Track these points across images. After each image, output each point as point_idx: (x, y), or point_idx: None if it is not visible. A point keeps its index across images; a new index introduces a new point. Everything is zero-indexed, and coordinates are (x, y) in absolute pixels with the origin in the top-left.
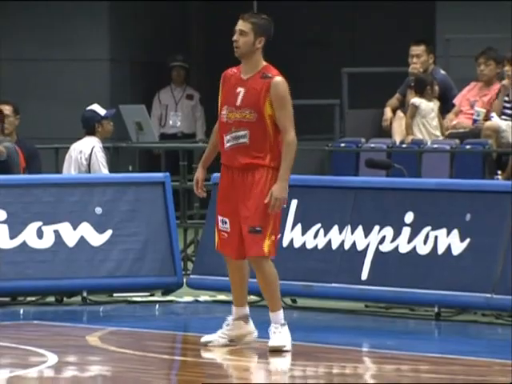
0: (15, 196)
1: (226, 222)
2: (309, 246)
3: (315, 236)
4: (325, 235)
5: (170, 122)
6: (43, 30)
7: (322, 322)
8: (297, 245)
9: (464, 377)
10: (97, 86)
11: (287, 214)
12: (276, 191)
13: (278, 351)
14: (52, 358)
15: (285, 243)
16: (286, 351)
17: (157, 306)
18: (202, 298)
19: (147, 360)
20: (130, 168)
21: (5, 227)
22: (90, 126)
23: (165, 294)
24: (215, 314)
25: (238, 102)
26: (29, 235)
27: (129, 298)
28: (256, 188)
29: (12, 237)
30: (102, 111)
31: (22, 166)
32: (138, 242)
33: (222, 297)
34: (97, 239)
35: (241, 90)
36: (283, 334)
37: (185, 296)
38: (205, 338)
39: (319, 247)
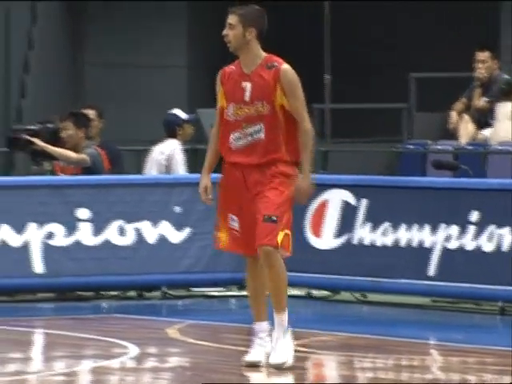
0: (99, 195)
1: (235, 220)
2: (378, 243)
3: (384, 234)
4: (393, 233)
5: None
6: (126, 36)
7: (390, 316)
8: (366, 242)
9: None
10: (176, 91)
11: (357, 213)
12: (302, 183)
13: (279, 369)
14: (133, 350)
15: (355, 241)
16: (288, 367)
17: (233, 300)
18: None
19: (224, 352)
20: None
21: (89, 225)
22: (171, 129)
23: (240, 288)
24: (289, 309)
25: (247, 97)
26: (112, 233)
27: (206, 293)
28: (273, 182)
29: (96, 234)
30: (183, 115)
31: (107, 169)
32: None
33: (295, 292)
34: (176, 236)
35: (247, 85)
36: (285, 346)
37: None
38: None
39: (388, 244)
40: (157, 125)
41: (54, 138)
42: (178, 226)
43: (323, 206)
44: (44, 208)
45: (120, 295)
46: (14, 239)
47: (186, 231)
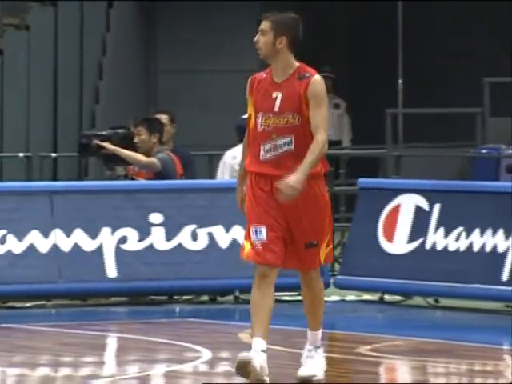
0: (171, 200)
1: (261, 232)
2: (451, 248)
3: (457, 239)
4: (466, 238)
5: None
6: (198, 42)
7: (463, 321)
8: (439, 247)
9: None
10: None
11: (430, 218)
12: (291, 181)
13: (307, 381)
14: (206, 354)
15: (428, 245)
16: (317, 381)
17: None
18: (348, 298)
19: (295, 356)
20: None
21: (162, 230)
22: (243, 134)
23: None
24: (361, 313)
25: (277, 108)
26: (184, 237)
27: (278, 297)
28: (309, 200)
29: (168, 239)
30: None
31: (180, 173)
32: None
33: (367, 296)
34: None
35: (277, 95)
36: (316, 360)
37: (332, 295)
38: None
39: (461, 249)
40: (229, 130)
41: (125, 143)
42: None
43: (396, 210)
44: (117, 213)
45: (193, 299)
46: (88, 244)
47: None
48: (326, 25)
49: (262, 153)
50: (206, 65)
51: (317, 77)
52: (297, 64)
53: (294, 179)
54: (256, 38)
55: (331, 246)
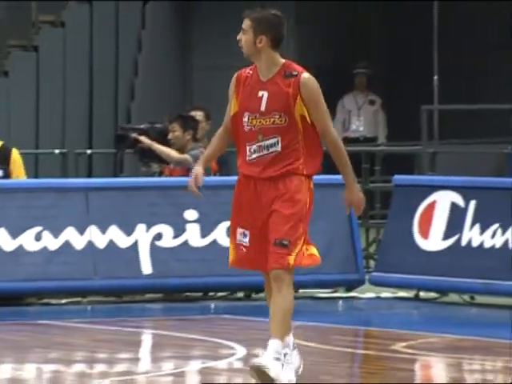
0: (207, 197)
1: (246, 236)
2: (486, 245)
3: (493, 236)
4: (502, 234)
5: (353, 127)
6: (233, 38)
7: (498, 318)
8: (475, 244)
9: None
10: None
11: (465, 215)
12: (351, 196)
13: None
14: (241, 351)
15: (463, 242)
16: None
17: (340, 301)
18: (383, 295)
19: (331, 353)
20: None
21: (197, 226)
22: None
23: (348, 290)
24: (396, 310)
25: (263, 108)
26: (219, 234)
27: (313, 294)
28: (288, 197)
29: (203, 235)
30: None
31: (214, 170)
32: (322, 241)
33: (402, 293)
34: None
35: (263, 94)
36: (272, 367)
37: (367, 292)
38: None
39: (496, 246)
40: None
41: (161, 139)
42: None
43: (431, 207)
44: (152, 209)
45: (227, 296)
46: (123, 240)
47: None
48: (362, 21)
49: (248, 153)
50: (239, 62)
51: (305, 75)
52: (282, 61)
53: (357, 192)
54: (238, 37)
55: (302, 249)
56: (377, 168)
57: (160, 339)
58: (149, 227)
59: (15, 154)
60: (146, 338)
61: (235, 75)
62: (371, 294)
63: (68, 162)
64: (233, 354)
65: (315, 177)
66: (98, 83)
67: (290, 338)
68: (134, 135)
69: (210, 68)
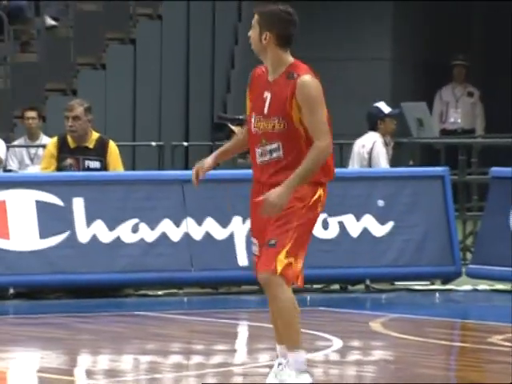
0: None
1: (255, 245)
2: None
3: None
4: None
5: (451, 119)
6: (332, 30)
7: None
8: None
9: None
10: (378, 84)
11: None
12: (273, 195)
13: None
14: (337, 343)
15: None
16: None
17: (436, 294)
18: (480, 287)
19: (427, 346)
20: (411, 162)
21: None
22: (372, 122)
23: (444, 282)
24: (494, 303)
25: (266, 110)
26: (315, 226)
27: (409, 287)
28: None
29: None
30: (386, 109)
31: None
32: (418, 233)
33: (500, 286)
34: (379, 230)
35: (267, 96)
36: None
37: (463, 285)
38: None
39: None
40: (357, 118)
41: None
42: (382, 220)
43: None
44: (249, 202)
45: (323, 288)
46: (219, 232)
47: (390, 225)
48: (460, 13)
49: (256, 156)
50: (335, 53)
51: (304, 77)
52: (290, 61)
53: (275, 194)
54: (249, 33)
55: (292, 260)
56: (474, 160)
57: (256, 331)
58: (245, 219)
59: (112, 146)
60: (242, 330)
61: (252, 72)
62: (468, 287)
63: (164, 154)
64: (329, 346)
65: (409, 169)
66: (195, 75)
67: (300, 355)
68: (230, 125)
69: (310, 59)
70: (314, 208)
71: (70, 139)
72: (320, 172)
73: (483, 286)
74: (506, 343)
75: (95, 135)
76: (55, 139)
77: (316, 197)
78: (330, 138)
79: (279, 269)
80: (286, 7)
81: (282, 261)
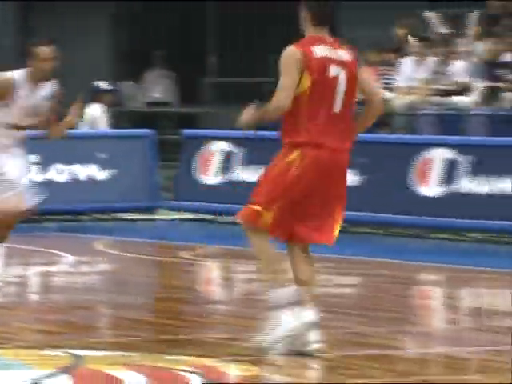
0: None
1: None
2: None
3: None
4: None
5: (156, 94)
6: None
7: None
8: None
9: None
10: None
11: None
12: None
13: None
14: (71, 258)
15: None
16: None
17: (142, 222)
18: (175, 217)
19: (136, 260)
20: None
21: None
22: (95, 96)
23: (150, 213)
24: (183, 228)
25: None
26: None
27: (125, 217)
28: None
29: None
30: (105, 86)
31: None
32: (134, 177)
33: (189, 215)
34: (101, 175)
35: None
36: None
37: (163, 215)
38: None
39: None
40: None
41: None
42: (104, 168)
43: None
44: None
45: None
46: None
47: (112, 171)
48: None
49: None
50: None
51: (289, 46)
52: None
53: (246, 112)
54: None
55: (257, 208)
56: (170, 124)
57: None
58: None
59: None
60: None
61: None
62: (166, 217)
63: None
64: (65, 261)
65: (124, 131)
66: None
67: (288, 290)
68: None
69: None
70: (287, 168)
71: None
72: (290, 135)
73: (177, 216)
74: (192, 257)
75: None
76: None
77: (290, 158)
78: (281, 102)
79: (240, 214)
80: None
81: (247, 209)
